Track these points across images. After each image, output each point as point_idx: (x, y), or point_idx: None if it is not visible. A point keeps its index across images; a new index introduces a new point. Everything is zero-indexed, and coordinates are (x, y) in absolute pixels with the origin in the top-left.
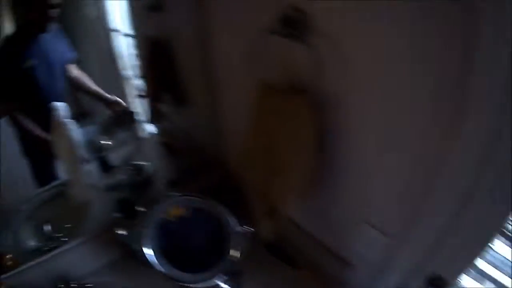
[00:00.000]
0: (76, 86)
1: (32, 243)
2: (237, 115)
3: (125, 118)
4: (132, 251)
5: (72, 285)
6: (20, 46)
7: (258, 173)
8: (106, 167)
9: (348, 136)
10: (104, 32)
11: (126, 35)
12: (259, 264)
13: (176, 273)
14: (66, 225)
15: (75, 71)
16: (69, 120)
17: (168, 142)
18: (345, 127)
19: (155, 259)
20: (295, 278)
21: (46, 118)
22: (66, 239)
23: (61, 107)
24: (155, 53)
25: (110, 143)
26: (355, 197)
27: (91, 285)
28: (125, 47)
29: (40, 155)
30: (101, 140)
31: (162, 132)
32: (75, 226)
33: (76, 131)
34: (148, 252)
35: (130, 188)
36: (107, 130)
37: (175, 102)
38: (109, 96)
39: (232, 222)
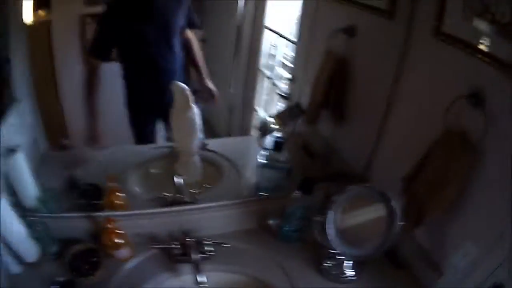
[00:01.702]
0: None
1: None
2: (400, 147)
3: (296, 110)
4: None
5: (205, 241)
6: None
7: (417, 190)
8: (275, 146)
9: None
10: (253, 26)
11: (284, 37)
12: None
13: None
14: (201, 184)
15: (190, 35)
16: (193, 100)
17: (307, 144)
18: (489, 176)
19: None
20: (395, 276)
21: (154, 78)
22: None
23: (183, 87)
24: (335, 69)
25: (277, 126)
26: (469, 220)
27: (228, 245)
28: (269, 46)
29: (143, 114)
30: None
31: (302, 134)
32: (210, 187)
33: (197, 114)
34: (330, 231)
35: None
36: (282, 119)
37: (334, 116)
38: (207, 81)
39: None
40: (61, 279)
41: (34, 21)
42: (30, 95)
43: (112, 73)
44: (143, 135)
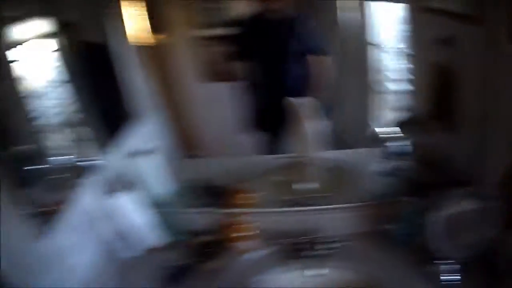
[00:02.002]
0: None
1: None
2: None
3: (409, 122)
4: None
5: (323, 241)
6: (254, 30)
7: None
8: (386, 155)
9: None
10: (360, 42)
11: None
12: None
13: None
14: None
15: (317, 62)
16: (312, 117)
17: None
18: None
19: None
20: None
21: (276, 95)
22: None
23: (306, 102)
24: (440, 79)
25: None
26: None
27: (344, 244)
28: (379, 60)
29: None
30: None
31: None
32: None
33: (314, 129)
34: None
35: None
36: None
37: (445, 124)
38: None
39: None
40: (180, 263)
41: (154, 43)
42: (160, 110)
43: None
44: (268, 146)
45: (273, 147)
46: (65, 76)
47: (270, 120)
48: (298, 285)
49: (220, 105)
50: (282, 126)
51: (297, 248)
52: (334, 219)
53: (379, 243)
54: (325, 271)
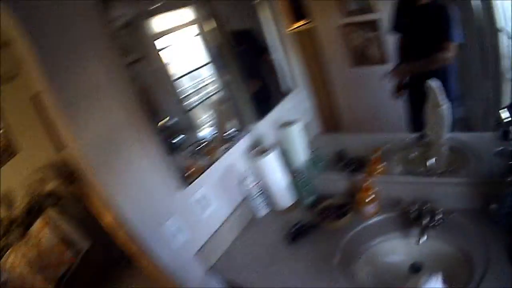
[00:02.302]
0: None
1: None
2: None
3: None
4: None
5: (437, 212)
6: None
7: None
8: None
9: None
10: (489, 30)
11: None
12: None
13: None
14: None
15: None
16: (443, 97)
17: None
18: None
19: None
20: None
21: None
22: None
23: (436, 85)
24: None
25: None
26: None
27: (453, 217)
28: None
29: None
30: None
31: None
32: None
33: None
34: None
35: None
36: None
37: None
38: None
39: None
40: (306, 221)
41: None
42: (306, 87)
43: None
44: (413, 124)
45: (411, 125)
46: (211, 58)
47: (412, 100)
48: (401, 250)
49: (364, 88)
50: (421, 106)
51: (409, 216)
52: (450, 193)
53: (480, 221)
54: (431, 240)
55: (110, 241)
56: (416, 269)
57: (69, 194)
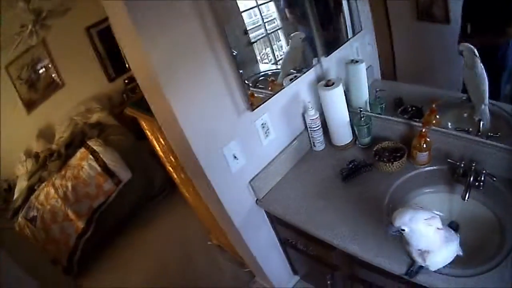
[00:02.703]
0: None
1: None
2: None
3: None
4: None
5: (483, 172)
6: None
7: None
8: None
9: None
10: None
11: None
12: None
13: None
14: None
15: None
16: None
17: None
18: None
19: None
20: None
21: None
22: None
23: (471, 48)
24: None
25: None
26: None
27: (495, 180)
28: None
29: None
30: None
31: None
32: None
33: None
34: None
35: None
36: None
37: None
38: None
39: None
40: (360, 161)
41: None
42: (371, 31)
43: None
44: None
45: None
46: None
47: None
48: (444, 205)
49: (431, 43)
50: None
51: (456, 172)
52: (498, 157)
53: None
54: (472, 199)
55: (152, 174)
56: (453, 227)
57: (113, 125)
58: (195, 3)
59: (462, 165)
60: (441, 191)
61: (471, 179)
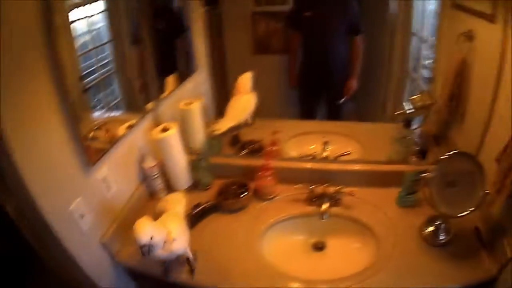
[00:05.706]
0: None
1: None
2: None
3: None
4: None
5: (337, 190)
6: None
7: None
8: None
9: None
10: (402, 32)
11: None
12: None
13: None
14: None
15: (356, 39)
16: None
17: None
18: None
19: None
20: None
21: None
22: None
23: None
24: (457, 70)
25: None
26: None
27: (353, 195)
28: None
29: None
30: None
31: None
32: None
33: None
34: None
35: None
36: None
37: (456, 109)
38: (353, 80)
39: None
40: (206, 202)
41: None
42: (207, 69)
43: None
44: (305, 112)
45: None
46: (114, 35)
47: (311, 90)
48: (304, 228)
49: (267, 75)
50: (320, 97)
51: (314, 195)
52: (348, 174)
53: (385, 200)
54: (333, 216)
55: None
56: (319, 247)
57: None
58: None
59: (314, 187)
60: (298, 217)
61: (326, 199)
